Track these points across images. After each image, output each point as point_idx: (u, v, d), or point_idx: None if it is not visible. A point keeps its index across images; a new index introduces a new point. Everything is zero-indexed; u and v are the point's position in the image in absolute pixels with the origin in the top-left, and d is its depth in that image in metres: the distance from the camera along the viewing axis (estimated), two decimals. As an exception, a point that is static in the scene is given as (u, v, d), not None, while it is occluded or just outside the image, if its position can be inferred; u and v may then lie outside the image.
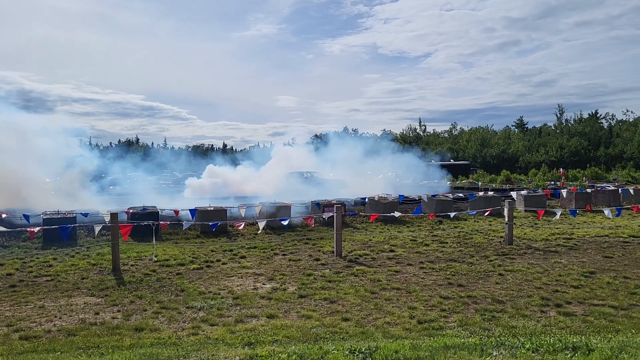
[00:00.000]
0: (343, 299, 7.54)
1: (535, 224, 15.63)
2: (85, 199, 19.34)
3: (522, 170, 53.16)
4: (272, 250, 11.74)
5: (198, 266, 10.00)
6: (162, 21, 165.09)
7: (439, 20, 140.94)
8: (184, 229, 13.77)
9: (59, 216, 13.15)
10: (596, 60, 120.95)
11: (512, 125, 73.98)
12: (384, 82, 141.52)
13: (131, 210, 14.01)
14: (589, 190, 21.64)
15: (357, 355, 4.36)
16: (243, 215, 15.08)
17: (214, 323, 6.48)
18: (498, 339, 5.12)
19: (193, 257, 10.81)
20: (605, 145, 55.87)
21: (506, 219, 12.30)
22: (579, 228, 14.53)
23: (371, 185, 28.02)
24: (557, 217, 14.36)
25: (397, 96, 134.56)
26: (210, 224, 12.65)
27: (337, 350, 4.47)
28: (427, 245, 12.25)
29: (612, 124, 62.29)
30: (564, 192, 20.29)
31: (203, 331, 6.15)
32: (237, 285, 8.52)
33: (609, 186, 24.14)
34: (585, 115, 63.59)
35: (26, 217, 13.07)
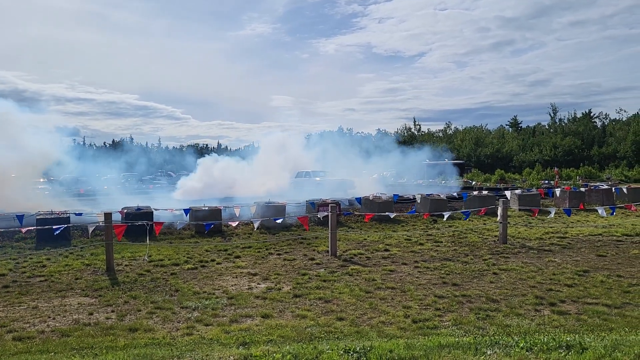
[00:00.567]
0: (338, 299, 7.54)
1: (530, 223, 15.69)
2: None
3: (516, 170, 53.42)
4: (266, 249, 11.73)
5: (192, 266, 9.98)
6: (156, 20, 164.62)
7: (433, 19, 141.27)
8: (178, 229, 13.75)
9: (52, 216, 13.08)
10: (590, 60, 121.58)
11: (506, 125, 74.37)
12: (378, 81, 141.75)
13: (125, 211, 13.96)
14: (582, 189, 21.76)
15: (351, 354, 4.36)
16: (237, 215, 15.06)
17: (209, 323, 6.47)
18: (492, 337, 5.13)
19: (187, 257, 10.79)
20: (598, 144, 56.20)
21: (499, 218, 12.34)
22: (572, 227, 14.60)
23: (367, 184, 27.98)
24: (552, 215, 14.43)
25: (392, 95, 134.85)
26: (205, 224, 12.62)
27: (332, 350, 4.46)
28: (421, 244, 12.27)
29: (606, 123, 62.66)
30: (557, 191, 20.39)
31: (197, 331, 6.14)
32: (232, 285, 8.50)
33: (602, 185, 24.26)
34: (579, 115, 64.01)
35: (19, 217, 13.00)
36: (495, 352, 4.41)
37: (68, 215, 13.40)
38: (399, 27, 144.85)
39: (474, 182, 35.62)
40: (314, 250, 11.64)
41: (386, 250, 11.55)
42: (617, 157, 52.14)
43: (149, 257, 10.69)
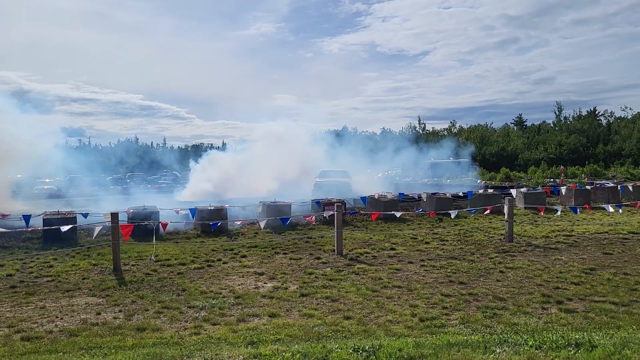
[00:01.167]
0: (344, 298, 7.54)
1: (535, 221, 15.65)
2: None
3: (521, 168, 53.23)
4: (272, 249, 11.74)
5: (199, 265, 10.00)
6: (160, 20, 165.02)
7: (437, 18, 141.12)
8: (184, 228, 13.78)
9: (58, 216, 13.14)
10: (594, 58, 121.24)
11: (511, 123, 74.20)
12: (382, 80, 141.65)
13: (131, 210, 14.00)
14: (588, 187, 21.69)
15: (360, 353, 4.36)
16: (243, 213, 15.09)
17: (216, 322, 6.48)
18: (500, 336, 5.13)
19: (194, 257, 10.80)
20: (604, 142, 55.94)
21: (506, 216, 12.31)
22: (578, 225, 14.55)
23: (371, 183, 27.80)
24: (558, 214, 14.39)
25: (396, 94, 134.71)
26: (211, 223, 12.64)
27: (341, 349, 4.47)
28: (427, 243, 12.25)
29: (611, 121, 62.33)
30: (563, 189, 20.31)
31: (205, 330, 6.15)
32: (239, 285, 8.52)
33: (608, 183, 24.18)
34: (584, 113, 63.70)
35: (25, 217, 13.04)
36: (504, 350, 4.40)
37: (74, 215, 13.45)
38: (403, 25, 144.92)
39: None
40: (320, 249, 11.64)
41: (392, 249, 11.54)
42: (622, 155, 51.88)
43: (155, 256, 10.72)
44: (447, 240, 12.55)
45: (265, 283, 8.63)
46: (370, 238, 13.09)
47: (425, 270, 9.39)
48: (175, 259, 10.54)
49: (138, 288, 8.35)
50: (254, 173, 26.71)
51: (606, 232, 13.24)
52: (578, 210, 15.27)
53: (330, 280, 8.68)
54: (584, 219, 16.00)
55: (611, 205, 14.84)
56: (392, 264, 9.93)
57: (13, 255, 11.27)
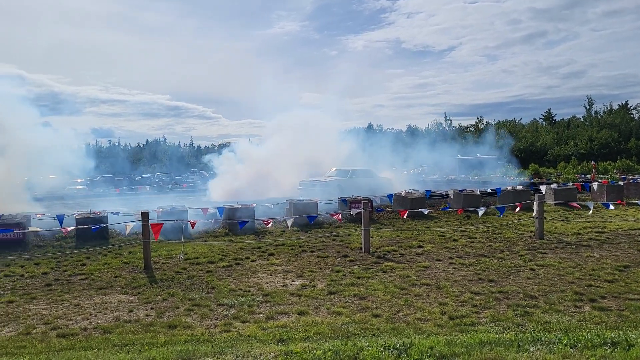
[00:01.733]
0: (373, 295, 7.53)
1: (566, 217, 15.36)
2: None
3: (550, 164, 52.28)
4: (300, 247, 11.78)
5: (227, 264, 10.09)
6: (185, 20, 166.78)
7: (463, 13, 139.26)
8: (212, 227, 13.93)
9: (91, 216, 13.42)
10: (626, 50, 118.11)
11: (540, 118, 72.87)
12: (407, 77, 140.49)
13: (161, 210, 14.23)
14: (620, 182, 21.18)
15: (392, 351, 4.34)
16: (270, 211, 15.17)
17: (245, 320, 6.53)
18: (533, 334, 5.04)
19: (222, 255, 10.91)
20: (636, 136, 54.52)
21: (535, 213, 12.11)
22: (611, 221, 14.23)
23: (401, 181, 27.48)
24: (591, 211, 14.11)
25: (422, 91, 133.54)
26: (238, 222, 12.74)
27: (372, 347, 4.46)
28: (455, 240, 12.14)
29: (644, 115, 60.71)
30: (594, 185, 19.89)
31: (235, 328, 6.21)
32: (267, 283, 8.57)
33: (641, 178, 23.56)
34: (615, 107, 62.22)
35: (59, 217, 13.36)
36: (538, 349, 4.33)
37: (106, 214, 13.72)
38: (428, 21, 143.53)
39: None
40: (347, 247, 11.64)
41: (420, 246, 11.47)
42: (656, 149, 50.54)
43: (184, 255, 10.86)
44: (476, 238, 12.41)
45: (293, 281, 8.67)
46: (398, 236, 13.03)
47: (454, 268, 9.30)
48: (204, 257, 10.66)
49: (168, 286, 8.47)
50: (279, 168, 26.22)
51: (640, 229, 12.91)
52: (611, 205, 14.91)
53: (358, 278, 8.67)
54: (617, 215, 15.63)
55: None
56: (419, 262, 9.86)
57: (48, 254, 11.56)
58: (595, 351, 4.22)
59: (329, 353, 4.32)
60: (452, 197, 18.21)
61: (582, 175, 33.17)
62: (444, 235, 12.81)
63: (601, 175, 33.00)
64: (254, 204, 15.65)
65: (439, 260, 10.04)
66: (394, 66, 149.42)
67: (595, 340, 4.46)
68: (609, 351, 4.23)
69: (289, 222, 12.64)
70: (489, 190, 20.78)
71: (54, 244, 12.59)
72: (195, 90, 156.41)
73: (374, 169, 26.76)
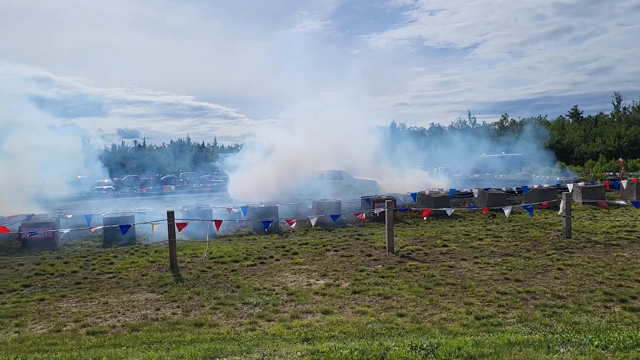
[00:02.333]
0: (397, 295, 7.49)
1: (595, 216, 15.06)
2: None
3: (577, 161, 51.29)
4: (323, 246, 11.78)
5: (252, 263, 10.15)
6: (207, 22, 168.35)
7: (486, 9, 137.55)
8: (237, 226, 14.03)
9: (117, 215, 13.64)
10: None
11: (566, 115, 71.50)
12: (430, 74, 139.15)
13: (185, 209, 14.39)
14: (651, 180, 20.66)
15: (419, 351, 4.31)
16: (295, 211, 15.22)
17: (270, 319, 6.56)
18: (563, 335, 4.95)
19: (247, 254, 10.98)
20: (667, 133, 53.09)
21: (561, 211, 11.89)
22: (642, 220, 13.89)
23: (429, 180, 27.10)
24: (620, 208, 13.79)
25: (445, 89, 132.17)
26: (262, 221, 12.80)
27: (398, 347, 4.43)
28: (480, 239, 12.00)
29: (675, 111, 59.13)
30: (624, 183, 19.44)
31: (260, 327, 6.24)
32: (291, 282, 8.59)
33: (673, 176, 22.96)
34: (645, 103, 60.65)
35: (87, 217, 13.62)
36: (568, 350, 4.25)
37: (132, 214, 13.93)
38: (450, 18, 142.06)
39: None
40: (370, 246, 11.60)
41: (444, 245, 11.37)
42: (687, 146, 49.18)
43: (209, 254, 10.96)
44: (501, 237, 12.25)
45: (317, 280, 8.67)
46: (422, 235, 12.93)
47: (479, 268, 9.20)
48: (229, 257, 10.74)
49: (194, 285, 8.56)
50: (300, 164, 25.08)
51: (672, 228, 12.58)
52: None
53: (382, 277, 8.63)
54: (648, 213, 15.26)
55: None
56: (444, 261, 9.78)
57: (76, 252, 11.78)
58: (628, 353, 4.12)
59: (356, 353, 4.31)
60: (476, 195, 18.01)
61: (611, 173, 32.47)
62: (468, 235, 12.68)
63: (630, 173, 32.26)
64: (277, 204, 15.70)
65: (464, 259, 9.94)
66: (416, 64, 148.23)
67: (628, 342, 4.36)
68: (642, 353, 4.14)
69: (313, 222, 12.65)
70: (514, 189, 20.49)
71: (82, 242, 12.83)
72: (218, 90, 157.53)
73: (348, 171, 24.92)
